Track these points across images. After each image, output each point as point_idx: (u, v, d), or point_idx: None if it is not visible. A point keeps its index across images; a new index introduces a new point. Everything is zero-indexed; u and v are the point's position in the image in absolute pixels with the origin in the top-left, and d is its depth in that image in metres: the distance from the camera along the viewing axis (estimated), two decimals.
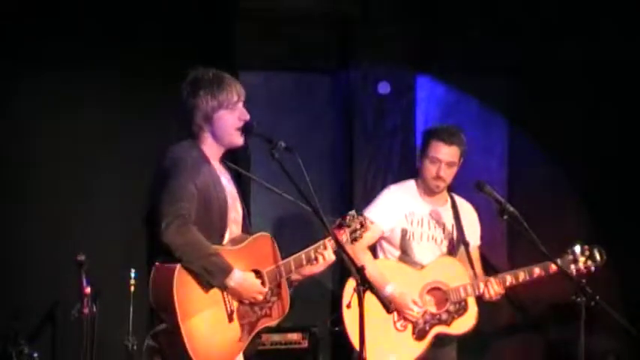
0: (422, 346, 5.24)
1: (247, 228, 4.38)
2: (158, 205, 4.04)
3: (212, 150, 4.27)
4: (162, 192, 4.06)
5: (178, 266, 4.02)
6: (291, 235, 6.17)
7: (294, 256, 4.30)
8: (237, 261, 4.15)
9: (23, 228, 6.28)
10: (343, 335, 5.20)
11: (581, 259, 5.29)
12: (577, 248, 5.30)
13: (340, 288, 5.33)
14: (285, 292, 4.31)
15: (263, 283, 4.21)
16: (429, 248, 5.38)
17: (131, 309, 5.73)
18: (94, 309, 5.69)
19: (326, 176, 6.81)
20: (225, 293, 4.13)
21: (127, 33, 6.38)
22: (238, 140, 4.28)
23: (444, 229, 5.42)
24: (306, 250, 4.31)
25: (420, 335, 5.24)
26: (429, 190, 5.41)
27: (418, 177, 5.44)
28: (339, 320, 5.24)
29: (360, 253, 5.09)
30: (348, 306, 4.31)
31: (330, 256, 4.33)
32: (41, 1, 6.27)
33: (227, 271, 4.07)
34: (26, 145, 6.33)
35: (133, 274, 5.70)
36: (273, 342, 6.10)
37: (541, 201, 6.79)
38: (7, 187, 6.31)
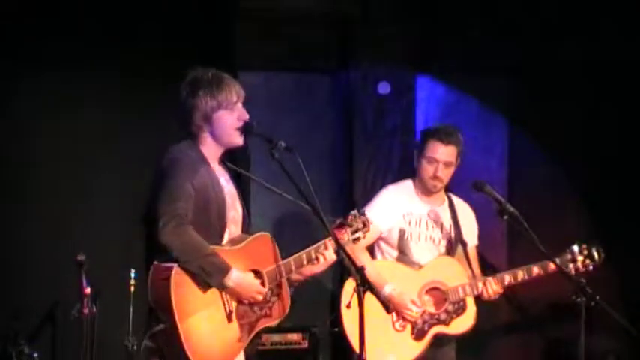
0: (421, 346, 5.24)
1: (247, 228, 4.38)
2: (156, 205, 4.04)
3: (211, 150, 4.27)
4: (159, 192, 4.06)
5: (176, 266, 4.02)
6: (292, 235, 6.17)
7: (294, 255, 4.29)
8: (236, 261, 4.15)
9: (23, 228, 6.28)
10: (342, 336, 5.20)
11: (580, 258, 5.29)
12: (575, 247, 5.30)
13: (340, 288, 5.33)
14: (286, 292, 4.30)
15: (262, 283, 4.21)
16: (427, 248, 5.39)
17: (131, 309, 5.73)
18: (94, 309, 5.68)
19: (326, 176, 6.81)
20: (223, 293, 4.12)
21: (127, 33, 6.38)
22: (238, 140, 4.28)
23: (441, 229, 5.42)
24: (306, 249, 4.31)
25: (418, 335, 5.24)
26: (426, 190, 5.41)
27: (415, 177, 5.44)
28: (337, 321, 5.24)
29: (358, 254, 5.09)
30: (348, 306, 4.31)
31: (330, 255, 4.32)
32: (41, 1, 6.27)
33: (225, 270, 4.07)
34: (26, 145, 6.33)
35: (133, 274, 5.70)
36: (273, 342, 6.10)
37: (541, 201, 6.79)
38: (7, 187, 6.31)
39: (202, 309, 4.08)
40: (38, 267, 6.23)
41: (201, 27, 6.52)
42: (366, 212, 4.80)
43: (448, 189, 5.52)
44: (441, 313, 5.27)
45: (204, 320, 4.08)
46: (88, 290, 5.66)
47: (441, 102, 7.15)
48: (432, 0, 6.99)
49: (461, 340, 5.43)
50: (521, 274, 5.28)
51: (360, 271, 3.99)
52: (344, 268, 5.13)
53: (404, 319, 5.22)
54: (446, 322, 5.27)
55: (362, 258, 5.14)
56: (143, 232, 4.18)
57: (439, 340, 5.28)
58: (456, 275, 5.31)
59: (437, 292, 5.29)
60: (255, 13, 6.70)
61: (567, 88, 6.80)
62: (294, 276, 4.36)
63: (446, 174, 5.35)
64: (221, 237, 4.21)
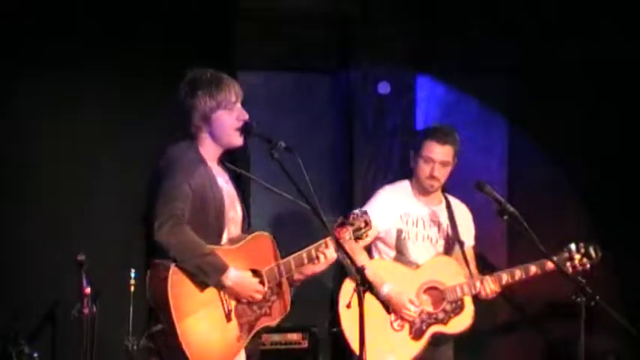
0: (419, 346, 5.24)
1: (247, 228, 4.37)
2: (153, 205, 4.05)
3: (210, 150, 4.26)
4: (157, 192, 4.07)
5: (172, 266, 4.02)
6: (292, 235, 6.14)
7: (295, 255, 4.29)
8: (234, 260, 4.15)
9: (23, 228, 6.28)
10: (340, 336, 5.20)
11: (577, 257, 5.30)
12: (572, 246, 5.31)
13: (339, 288, 5.33)
14: (286, 291, 4.30)
15: (262, 282, 4.20)
16: (424, 248, 5.39)
17: (131, 309, 5.72)
18: (94, 309, 5.68)
19: (326, 176, 6.81)
20: (222, 292, 4.12)
21: (127, 33, 6.38)
22: (237, 140, 4.27)
23: (438, 229, 5.43)
24: (306, 248, 4.31)
25: (417, 335, 5.25)
26: (423, 190, 5.41)
27: (412, 177, 5.44)
28: (335, 321, 5.25)
29: (356, 254, 5.09)
30: (348, 306, 4.31)
31: (331, 254, 4.31)
32: (41, 1, 6.27)
33: (222, 269, 4.07)
34: (26, 145, 6.33)
35: (133, 274, 5.69)
36: (273, 342, 6.10)
37: (541, 201, 6.79)
38: (7, 187, 6.31)
39: (200, 308, 4.08)
40: (38, 267, 6.23)
41: (201, 27, 6.51)
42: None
43: (445, 189, 5.52)
44: (439, 313, 5.27)
45: (203, 320, 4.08)
46: (88, 290, 5.66)
47: (441, 102, 7.15)
48: (432, 0, 6.99)
49: (459, 339, 5.43)
50: (518, 274, 5.28)
51: (360, 271, 3.98)
52: (343, 268, 5.12)
53: (402, 318, 5.22)
54: (444, 322, 5.27)
55: (360, 258, 5.14)
56: (143, 232, 4.19)
57: (437, 340, 5.28)
58: (453, 275, 5.31)
59: (435, 292, 5.29)
60: (255, 13, 6.70)
61: (567, 88, 6.80)
62: (296, 276, 4.36)
63: (443, 173, 5.35)
64: (219, 237, 4.21)
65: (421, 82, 7.08)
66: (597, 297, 4.78)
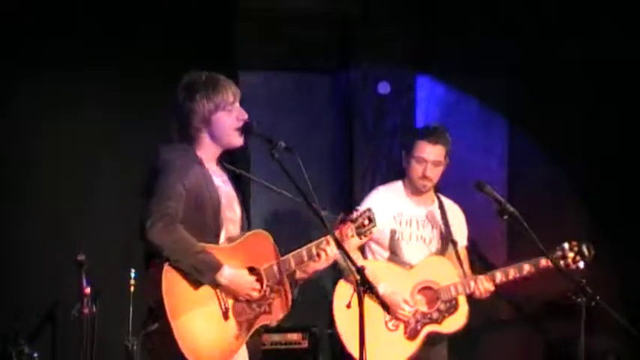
0: (414, 346, 5.24)
1: (246, 228, 4.37)
2: (146, 204, 4.05)
3: (209, 151, 4.26)
4: (150, 192, 4.07)
5: (166, 265, 4.02)
6: (292, 235, 6.16)
7: (294, 252, 4.27)
8: (231, 258, 4.14)
9: (23, 228, 6.28)
10: (335, 337, 5.21)
11: (570, 255, 5.29)
12: (565, 244, 5.31)
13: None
14: (287, 290, 4.29)
15: (260, 280, 4.20)
16: (418, 248, 5.39)
17: (131, 309, 5.73)
18: (94, 309, 5.68)
19: (326, 176, 6.81)
20: (218, 291, 4.12)
21: (127, 33, 6.38)
22: (237, 141, 4.27)
23: (432, 229, 5.43)
24: (306, 246, 4.29)
25: (411, 335, 5.24)
26: (416, 190, 5.42)
27: (405, 178, 5.44)
28: (330, 322, 5.25)
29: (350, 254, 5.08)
30: (348, 306, 4.31)
31: (332, 251, 4.29)
32: (41, 1, 6.27)
33: (216, 268, 4.06)
34: (26, 145, 6.33)
35: (133, 274, 5.70)
36: (273, 342, 6.10)
37: (541, 201, 6.79)
38: (7, 187, 6.31)
39: (196, 307, 4.07)
40: (38, 267, 6.23)
41: (201, 27, 6.52)
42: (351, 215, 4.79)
43: (437, 189, 5.52)
44: (434, 313, 5.27)
45: (199, 318, 4.07)
46: (88, 290, 5.66)
47: (441, 102, 7.15)
48: (432, 0, 6.99)
49: (456, 339, 5.43)
50: (512, 272, 5.28)
51: (361, 271, 3.98)
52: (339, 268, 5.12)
53: (397, 318, 5.22)
54: (438, 321, 5.27)
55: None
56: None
57: (431, 340, 5.28)
58: (447, 274, 5.31)
59: (429, 292, 5.29)
60: (255, 13, 6.70)
61: (567, 88, 6.81)
62: (298, 275, 4.35)
63: (435, 173, 5.36)
64: (217, 237, 4.20)
65: (421, 82, 7.08)
66: (597, 297, 4.78)
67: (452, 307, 5.28)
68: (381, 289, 5.18)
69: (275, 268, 4.24)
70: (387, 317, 5.20)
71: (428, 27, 6.96)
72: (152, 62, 6.40)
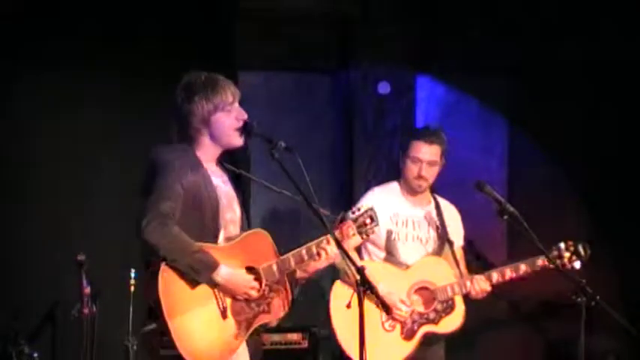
0: (411, 346, 5.24)
1: (246, 229, 4.36)
2: (143, 203, 4.05)
3: (208, 152, 4.26)
4: (148, 191, 4.07)
5: (163, 264, 4.02)
6: (293, 234, 6.16)
7: (294, 251, 4.26)
8: (230, 258, 4.14)
9: (23, 228, 6.28)
10: (332, 338, 5.21)
11: (566, 255, 5.29)
12: (561, 244, 5.31)
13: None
14: (286, 289, 4.28)
15: (258, 280, 4.20)
16: (414, 248, 5.39)
17: (131, 309, 5.73)
18: (94, 309, 5.68)
19: (326, 176, 6.81)
20: (216, 290, 4.12)
21: (127, 33, 6.38)
22: (237, 141, 4.27)
23: (428, 229, 5.43)
24: (306, 245, 4.29)
25: (408, 335, 5.24)
26: (412, 191, 5.42)
27: (401, 178, 5.45)
28: (327, 322, 5.26)
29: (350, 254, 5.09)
30: (348, 306, 4.31)
31: (332, 250, 4.28)
32: (41, 1, 6.27)
33: (213, 267, 4.06)
34: (26, 145, 6.33)
35: (133, 274, 5.70)
36: (273, 342, 6.10)
37: (541, 201, 6.79)
38: (7, 187, 6.31)
39: (194, 306, 4.07)
40: (38, 267, 6.23)
41: (201, 27, 6.52)
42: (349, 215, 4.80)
43: (433, 190, 5.52)
44: (430, 313, 5.27)
45: (196, 317, 4.07)
46: (88, 290, 5.66)
47: (441, 102, 7.15)
48: (432, 0, 6.99)
49: (454, 339, 5.42)
50: (509, 272, 5.28)
51: (360, 271, 3.98)
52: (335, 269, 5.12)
53: (393, 319, 5.22)
54: (435, 322, 5.27)
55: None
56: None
57: (428, 340, 5.28)
58: (443, 275, 5.31)
59: (425, 292, 5.29)
60: (255, 13, 6.70)
61: (567, 88, 6.81)
62: (299, 274, 4.35)
63: (430, 173, 5.36)
64: (216, 237, 4.20)
65: (421, 82, 7.08)
66: (597, 297, 4.78)
67: (448, 308, 5.28)
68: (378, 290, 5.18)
69: (274, 267, 4.23)
70: (384, 318, 5.20)
71: (428, 27, 6.96)
72: (152, 62, 6.40)
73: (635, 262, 6.59)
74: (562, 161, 6.95)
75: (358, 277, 3.97)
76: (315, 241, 4.29)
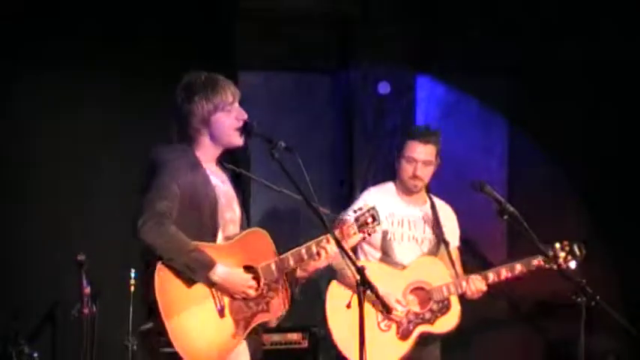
0: (406, 346, 5.24)
1: (245, 228, 4.36)
2: (140, 203, 4.06)
3: (208, 152, 4.26)
4: (144, 191, 4.07)
5: (159, 263, 4.02)
6: (293, 234, 6.17)
7: (293, 250, 4.26)
8: (228, 257, 4.14)
9: (23, 228, 6.28)
10: (328, 338, 5.21)
11: (561, 255, 5.30)
12: (557, 244, 5.31)
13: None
14: (286, 288, 4.28)
15: (257, 279, 4.19)
16: (410, 248, 5.39)
17: (131, 309, 5.73)
18: (94, 309, 5.69)
19: (326, 176, 6.81)
20: (213, 289, 4.12)
21: (127, 33, 6.38)
22: (237, 140, 4.27)
23: (424, 229, 5.43)
24: (306, 244, 4.29)
25: (404, 335, 5.24)
26: (407, 191, 5.42)
27: (396, 178, 5.45)
28: (323, 323, 5.26)
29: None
30: (348, 306, 4.31)
31: (332, 249, 4.28)
32: (41, 1, 6.27)
33: (209, 266, 4.06)
34: (26, 145, 6.33)
35: (132, 274, 5.70)
36: (273, 342, 6.10)
37: (541, 201, 6.79)
38: (7, 187, 6.31)
39: (191, 305, 4.07)
40: (38, 267, 6.23)
41: (201, 27, 6.52)
42: (348, 215, 4.80)
43: (429, 189, 5.53)
44: (426, 313, 5.27)
45: (194, 316, 4.07)
46: (88, 290, 5.66)
47: (441, 102, 7.16)
48: (432, 0, 6.99)
49: (450, 339, 5.42)
50: (504, 272, 5.29)
51: (360, 270, 3.98)
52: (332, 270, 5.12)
53: (389, 319, 5.22)
54: (430, 322, 5.27)
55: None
56: None
57: (424, 340, 5.28)
58: (439, 275, 5.31)
59: (421, 292, 5.29)
60: (255, 13, 6.70)
61: (567, 88, 6.81)
62: (299, 273, 4.35)
63: (426, 173, 5.36)
64: (214, 236, 4.20)
65: (421, 82, 7.08)
66: (597, 297, 4.78)
67: (444, 308, 5.29)
68: None
69: (273, 266, 4.23)
70: (380, 318, 5.20)
71: (428, 27, 6.97)
72: (152, 62, 6.40)
73: (635, 262, 6.59)
74: (562, 161, 6.95)
75: (358, 277, 3.97)
76: (315, 241, 4.29)
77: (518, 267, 5.29)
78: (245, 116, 4.26)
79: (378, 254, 5.39)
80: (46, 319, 6.16)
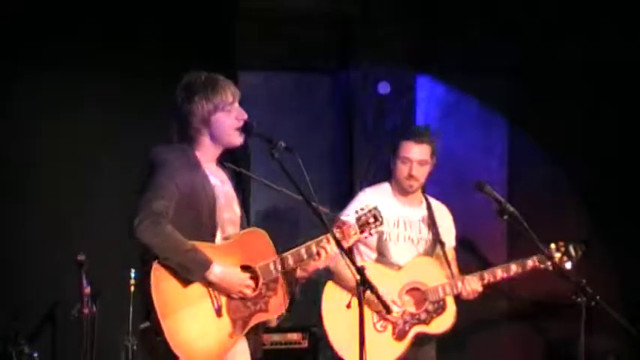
0: (402, 347, 5.24)
1: (245, 227, 4.36)
2: (137, 202, 4.06)
3: (208, 152, 4.26)
4: (142, 190, 4.07)
5: (155, 263, 4.03)
6: (293, 233, 6.17)
7: (292, 250, 4.26)
8: (227, 256, 4.14)
9: (23, 228, 6.29)
10: (324, 338, 5.21)
11: (557, 255, 5.30)
12: (552, 245, 5.32)
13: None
14: (283, 288, 4.28)
15: (255, 278, 4.19)
16: (405, 249, 5.39)
17: (131, 309, 5.73)
18: (94, 309, 5.69)
19: (326, 176, 6.81)
20: (210, 289, 4.11)
21: (127, 33, 6.39)
22: (237, 140, 4.27)
23: (419, 230, 5.43)
24: (305, 244, 4.28)
25: (399, 335, 5.24)
26: (403, 191, 5.42)
27: (392, 179, 5.45)
28: (318, 323, 5.26)
29: (338, 256, 5.08)
30: (348, 306, 4.31)
31: (332, 249, 4.27)
32: (41, 1, 6.27)
33: (205, 265, 4.06)
34: (26, 145, 6.34)
35: (132, 274, 5.70)
36: (273, 342, 6.10)
37: (541, 201, 6.79)
38: (7, 187, 6.32)
39: (187, 305, 4.07)
40: (38, 267, 6.23)
41: (201, 27, 6.52)
42: (344, 215, 4.80)
43: (424, 190, 5.52)
44: (421, 313, 5.27)
45: (190, 316, 4.07)
46: (88, 290, 5.66)
47: (441, 102, 7.16)
48: (432, 0, 6.99)
49: (449, 340, 5.42)
50: (500, 273, 5.29)
51: (361, 271, 3.98)
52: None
53: (385, 319, 5.22)
54: (426, 322, 5.27)
55: (342, 261, 5.14)
56: None
57: (419, 340, 5.28)
58: (435, 275, 5.31)
59: (417, 293, 5.29)
60: (255, 13, 6.71)
61: (567, 88, 6.81)
62: (299, 273, 4.34)
63: (421, 173, 5.36)
64: (213, 236, 4.19)
65: (421, 82, 7.08)
66: (597, 297, 4.78)
67: (440, 308, 5.29)
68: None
69: (271, 265, 4.23)
70: (376, 318, 5.20)
71: (428, 27, 6.97)
72: (152, 62, 6.40)
73: (635, 262, 6.59)
74: (562, 161, 6.95)
75: (358, 277, 3.97)
76: (315, 240, 4.29)
77: (514, 267, 5.30)
78: (245, 116, 4.26)
79: (374, 255, 5.38)
80: (46, 319, 6.16)
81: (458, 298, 5.30)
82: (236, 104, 4.27)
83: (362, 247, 5.39)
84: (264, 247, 4.26)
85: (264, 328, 4.36)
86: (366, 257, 5.39)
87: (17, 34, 6.25)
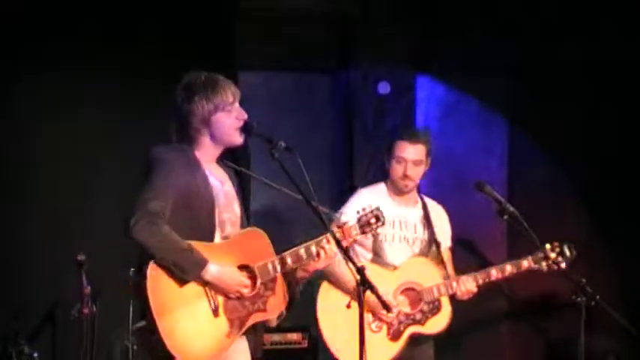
0: (397, 347, 5.24)
1: (245, 227, 4.36)
2: (134, 202, 4.06)
3: (208, 152, 4.26)
4: (140, 190, 4.08)
5: (151, 262, 4.02)
6: (293, 232, 6.17)
7: (291, 250, 4.25)
8: (225, 256, 4.13)
9: (23, 228, 6.28)
10: (319, 338, 5.22)
11: (552, 255, 5.30)
12: (547, 245, 5.32)
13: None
14: (282, 287, 4.27)
15: (252, 278, 4.19)
16: (401, 249, 5.39)
17: (131, 309, 5.73)
18: (94, 309, 5.68)
19: (326, 176, 6.81)
20: (207, 288, 4.11)
21: (127, 33, 6.38)
22: (237, 140, 4.27)
23: (415, 230, 5.43)
24: (305, 244, 4.28)
25: (394, 336, 5.25)
26: (398, 191, 5.43)
27: (387, 179, 5.45)
28: (314, 323, 5.26)
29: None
30: (349, 306, 4.31)
31: (332, 250, 4.27)
32: (41, 1, 6.27)
33: (201, 265, 4.05)
34: (26, 145, 6.33)
35: (132, 274, 5.69)
36: (273, 342, 6.10)
37: (541, 201, 6.79)
38: (7, 187, 6.31)
39: (184, 304, 4.06)
40: (38, 267, 6.23)
41: (201, 27, 6.52)
42: (340, 216, 4.81)
43: (420, 190, 5.53)
44: (417, 314, 5.27)
45: (187, 315, 4.06)
46: (88, 290, 5.66)
47: (441, 102, 7.16)
48: (432, 0, 6.99)
49: (448, 340, 5.42)
50: (494, 273, 5.29)
51: (361, 270, 3.98)
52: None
53: (380, 320, 5.22)
54: (421, 322, 5.27)
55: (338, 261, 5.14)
56: None
57: (416, 339, 5.29)
58: (430, 275, 5.31)
59: (412, 293, 5.29)
60: (255, 13, 6.70)
61: (567, 88, 6.81)
62: (299, 273, 4.34)
63: (416, 173, 5.37)
64: (212, 236, 4.19)
65: (421, 82, 7.08)
66: (597, 297, 4.78)
67: (435, 308, 5.29)
68: None
69: (270, 265, 4.22)
70: (371, 319, 5.21)
71: (428, 27, 6.97)
72: (152, 62, 6.40)
73: (635, 262, 6.59)
74: (562, 161, 6.95)
75: (358, 277, 3.97)
76: (315, 240, 4.28)
77: (509, 268, 5.30)
78: (245, 116, 4.26)
79: (369, 255, 5.38)
80: (46, 319, 6.16)
81: (453, 299, 5.31)
82: (236, 104, 4.27)
83: (357, 248, 5.39)
84: (263, 247, 4.26)
85: (264, 327, 4.35)
86: (362, 257, 5.38)
87: (17, 34, 6.25)
